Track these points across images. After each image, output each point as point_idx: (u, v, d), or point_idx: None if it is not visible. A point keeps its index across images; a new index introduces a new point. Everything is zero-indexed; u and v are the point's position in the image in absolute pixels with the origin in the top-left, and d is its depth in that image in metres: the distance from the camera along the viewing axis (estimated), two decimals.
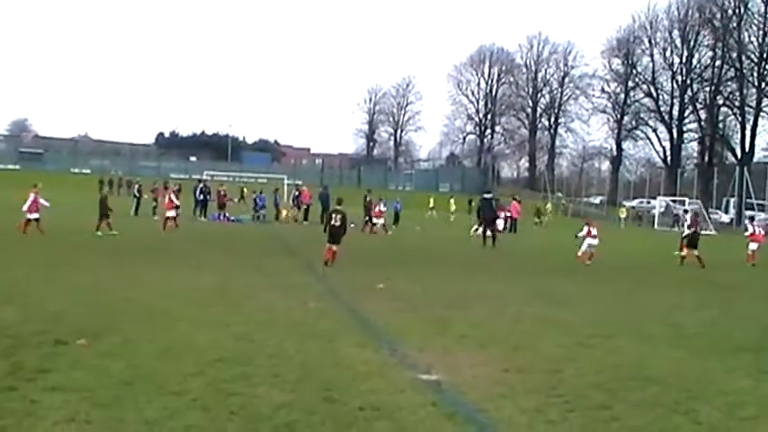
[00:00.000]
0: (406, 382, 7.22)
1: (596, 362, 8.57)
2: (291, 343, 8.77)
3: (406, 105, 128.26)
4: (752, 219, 31.13)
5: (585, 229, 23.78)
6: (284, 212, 40.07)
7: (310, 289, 13.87)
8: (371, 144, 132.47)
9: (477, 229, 31.05)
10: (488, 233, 28.10)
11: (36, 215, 23.21)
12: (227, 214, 37.69)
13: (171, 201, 29.03)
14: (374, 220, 33.17)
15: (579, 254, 23.62)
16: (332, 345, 8.80)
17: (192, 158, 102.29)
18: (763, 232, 28.55)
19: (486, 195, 30.93)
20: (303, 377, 7.23)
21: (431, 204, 59.08)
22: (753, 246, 26.52)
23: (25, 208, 23.24)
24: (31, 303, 10.55)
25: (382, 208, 34.17)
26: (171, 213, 28.64)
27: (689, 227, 25.64)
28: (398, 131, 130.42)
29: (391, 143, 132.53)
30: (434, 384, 7.24)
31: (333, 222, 18.47)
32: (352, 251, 20.70)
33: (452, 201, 60.20)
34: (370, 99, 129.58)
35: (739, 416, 6.66)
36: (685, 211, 37.52)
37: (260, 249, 22.55)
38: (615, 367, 8.32)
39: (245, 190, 54.03)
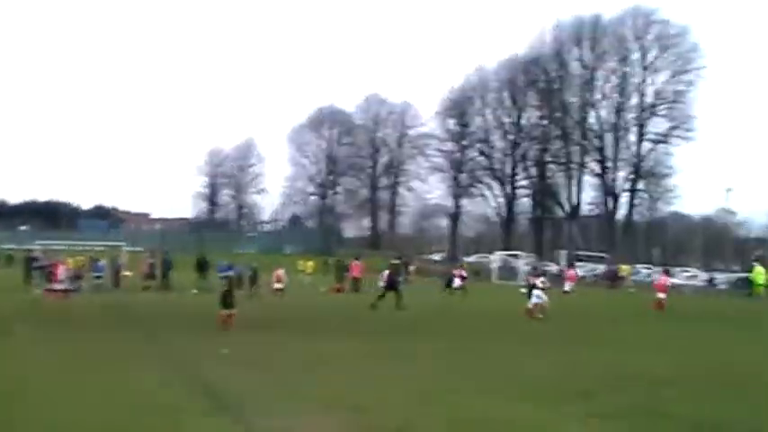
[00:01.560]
0: None
1: (445, 417, 8.73)
2: (131, 417, 8.46)
3: (248, 167, 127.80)
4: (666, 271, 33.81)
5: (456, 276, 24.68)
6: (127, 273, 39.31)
7: (151, 357, 13.44)
8: (213, 207, 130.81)
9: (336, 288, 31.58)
10: (384, 295, 28.34)
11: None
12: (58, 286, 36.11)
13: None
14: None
15: (530, 306, 24.20)
16: (175, 417, 8.55)
17: (23, 227, 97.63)
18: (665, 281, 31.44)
19: (395, 261, 32.55)
20: None
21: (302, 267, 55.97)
22: (661, 295, 28.61)
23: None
24: None
25: None
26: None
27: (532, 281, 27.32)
28: (240, 194, 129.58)
29: (233, 206, 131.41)
30: None
31: (225, 288, 19.09)
32: (200, 319, 20.28)
33: (309, 263, 57.10)
34: (211, 161, 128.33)
35: None
36: (534, 268, 39.86)
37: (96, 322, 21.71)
38: (463, 422, 8.50)
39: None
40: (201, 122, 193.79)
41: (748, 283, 46.90)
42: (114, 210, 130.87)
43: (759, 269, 45.75)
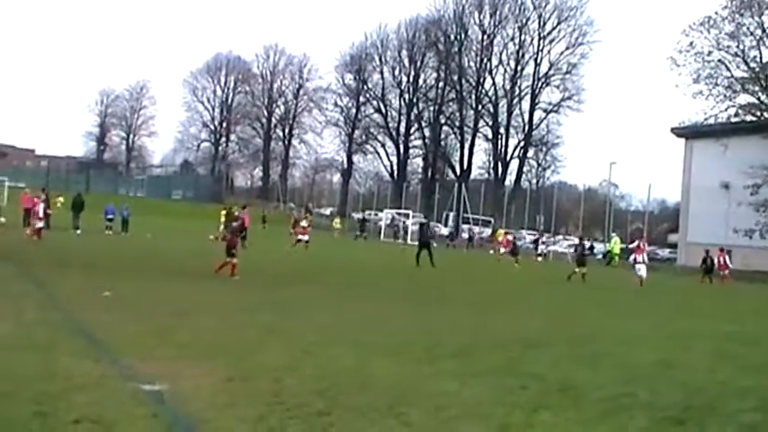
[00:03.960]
0: (126, 394, 7.05)
1: (317, 369, 8.86)
2: (2, 354, 8.28)
3: (140, 109, 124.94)
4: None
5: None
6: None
7: (28, 297, 13.11)
8: (102, 148, 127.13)
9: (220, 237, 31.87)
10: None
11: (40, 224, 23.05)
12: None
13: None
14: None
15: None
16: (47, 356, 8.39)
17: None
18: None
19: (422, 221, 37.71)
20: (12, 391, 6.84)
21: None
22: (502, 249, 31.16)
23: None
24: None
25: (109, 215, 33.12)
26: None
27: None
28: (131, 136, 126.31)
29: (123, 147, 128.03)
30: (156, 395, 7.14)
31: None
32: (80, 257, 19.81)
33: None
34: (102, 101, 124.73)
35: (444, 416, 7.17)
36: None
37: None
38: (335, 374, 8.65)
39: None
40: (95, 60, 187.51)
41: (608, 252, 51.48)
42: None
43: (615, 240, 50.75)
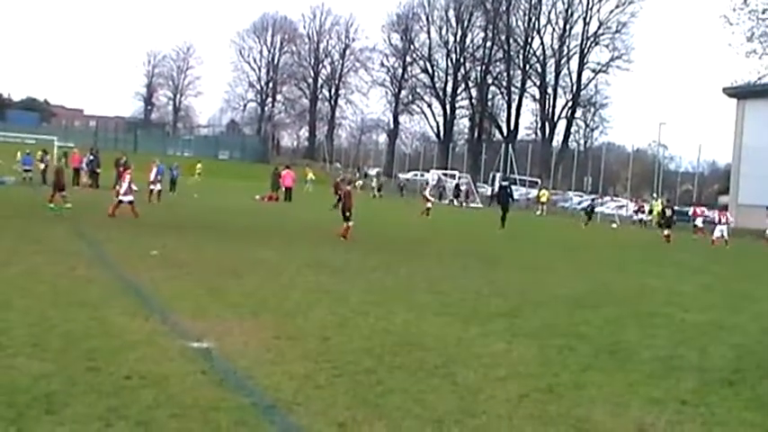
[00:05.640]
0: (175, 351, 7.15)
1: (365, 328, 8.89)
2: (55, 311, 8.43)
3: (187, 69, 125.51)
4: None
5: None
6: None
7: (79, 255, 13.34)
8: (149, 108, 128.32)
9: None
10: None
11: (129, 197, 22.67)
12: None
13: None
14: (152, 186, 31.97)
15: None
16: (99, 313, 8.53)
17: None
18: None
19: (504, 183, 36.64)
20: (66, 347, 6.98)
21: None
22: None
23: (122, 191, 22.86)
24: None
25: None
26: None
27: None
28: (178, 96, 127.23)
29: (170, 108, 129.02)
30: (205, 352, 7.23)
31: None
32: (126, 218, 20.14)
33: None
34: (149, 62, 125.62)
35: (492, 376, 7.14)
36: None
37: (27, 213, 21.35)
38: (383, 333, 8.67)
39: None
40: (143, 21, 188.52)
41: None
42: (46, 103, 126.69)
43: (656, 203, 49.74)
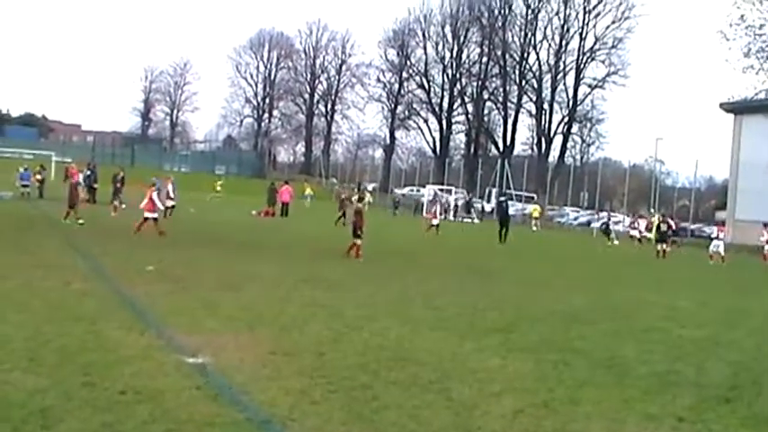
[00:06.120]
0: (171, 366, 7.14)
1: (360, 343, 8.88)
2: (51, 326, 8.41)
3: (184, 85, 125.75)
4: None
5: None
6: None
7: (75, 269, 13.32)
8: (147, 123, 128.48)
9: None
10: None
11: (155, 214, 22.33)
12: None
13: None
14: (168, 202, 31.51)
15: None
16: (95, 327, 8.52)
17: None
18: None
19: (501, 199, 38.98)
20: (62, 361, 6.97)
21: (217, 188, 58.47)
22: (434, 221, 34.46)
23: (142, 206, 22.45)
24: None
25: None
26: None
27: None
28: (175, 111, 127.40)
29: (167, 123, 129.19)
30: (200, 367, 7.21)
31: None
32: (125, 233, 20.10)
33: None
34: (147, 77, 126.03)
35: (487, 392, 7.14)
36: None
37: (24, 227, 21.32)
38: (378, 349, 8.66)
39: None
40: (140, 37, 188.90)
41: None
42: (44, 118, 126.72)
43: (653, 219, 49.53)
